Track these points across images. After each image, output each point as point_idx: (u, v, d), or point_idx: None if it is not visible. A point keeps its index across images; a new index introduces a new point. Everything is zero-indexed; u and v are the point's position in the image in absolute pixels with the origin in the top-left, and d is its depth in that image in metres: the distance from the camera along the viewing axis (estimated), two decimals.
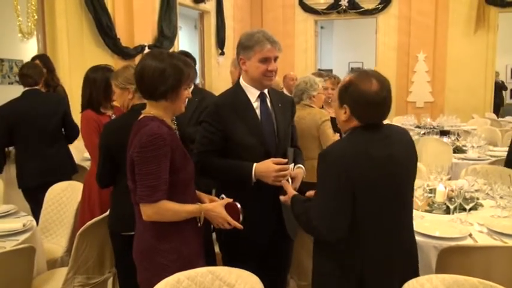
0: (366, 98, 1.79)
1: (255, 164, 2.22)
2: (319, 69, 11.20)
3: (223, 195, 2.17)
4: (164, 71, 1.95)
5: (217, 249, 2.56)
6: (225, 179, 2.34)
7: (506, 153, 4.01)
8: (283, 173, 2.21)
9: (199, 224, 2.07)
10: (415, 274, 1.93)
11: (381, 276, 1.85)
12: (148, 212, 1.92)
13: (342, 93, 1.87)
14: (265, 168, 2.21)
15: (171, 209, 1.94)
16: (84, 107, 3.27)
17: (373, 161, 1.77)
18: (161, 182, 1.89)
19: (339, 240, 1.82)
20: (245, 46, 2.29)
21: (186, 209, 1.99)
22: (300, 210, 1.96)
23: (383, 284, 1.86)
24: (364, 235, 1.81)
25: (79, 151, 4.38)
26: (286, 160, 2.25)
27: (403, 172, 1.89)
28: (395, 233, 1.88)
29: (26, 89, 3.83)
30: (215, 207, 2.07)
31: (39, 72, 3.95)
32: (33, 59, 4.53)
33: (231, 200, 2.11)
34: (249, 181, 2.23)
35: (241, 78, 2.39)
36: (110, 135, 2.45)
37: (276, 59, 2.30)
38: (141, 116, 2.04)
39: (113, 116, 3.26)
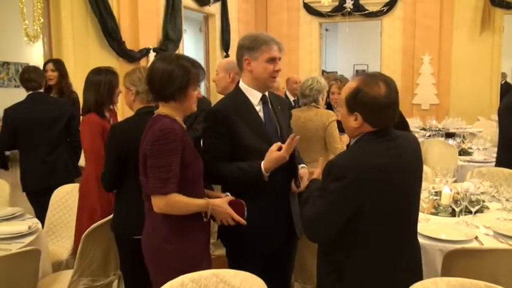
0: (378, 103, 1.76)
1: (262, 162, 2.20)
2: (323, 71, 11.16)
3: (228, 193, 2.20)
4: (172, 72, 2.01)
5: (220, 252, 2.56)
6: (236, 183, 2.28)
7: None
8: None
9: (205, 219, 2.11)
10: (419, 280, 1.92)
11: (382, 283, 1.83)
12: (160, 204, 1.98)
13: (351, 100, 1.82)
14: (270, 157, 2.18)
15: (181, 202, 2.00)
16: (87, 110, 3.16)
17: (382, 171, 1.75)
18: (172, 174, 1.95)
19: (342, 246, 1.82)
20: (251, 47, 2.29)
21: (195, 202, 2.05)
22: (305, 198, 1.96)
23: None
24: (367, 243, 1.80)
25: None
26: (279, 144, 2.21)
27: (411, 181, 1.88)
28: (399, 240, 1.86)
29: (30, 92, 3.84)
30: (221, 202, 2.12)
31: (41, 75, 3.97)
32: (46, 62, 4.56)
33: (234, 198, 2.16)
34: (261, 177, 2.20)
35: (240, 81, 2.39)
36: (120, 138, 2.46)
37: (279, 60, 2.32)
38: (155, 115, 2.12)
39: (111, 120, 3.23)
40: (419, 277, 1.93)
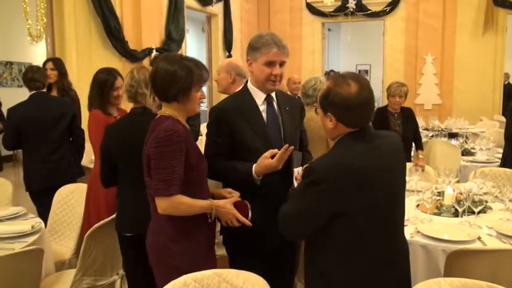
0: (348, 101, 1.76)
1: (253, 165, 2.20)
2: (332, 71, 11.11)
3: (232, 194, 2.20)
4: (175, 73, 2.01)
5: (223, 251, 2.57)
6: (232, 182, 2.31)
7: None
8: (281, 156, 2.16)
9: (209, 220, 2.11)
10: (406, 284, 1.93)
11: (370, 284, 1.82)
12: (163, 205, 1.98)
13: (323, 101, 1.84)
14: (261, 163, 2.18)
15: (185, 203, 2.00)
16: (89, 106, 3.34)
17: (361, 173, 1.73)
18: (176, 176, 1.95)
19: (328, 249, 1.81)
20: (253, 47, 2.27)
21: (199, 203, 2.05)
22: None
23: None
24: (352, 244, 1.79)
25: (87, 153, 4.41)
26: (276, 150, 2.19)
27: (392, 181, 1.87)
28: (384, 241, 1.84)
29: (33, 92, 3.85)
30: (226, 203, 2.11)
31: (44, 75, 3.99)
32: (46, 61, 4.57)
33: (239, 199, 2.15)
34: (252, 180, 2.21)
35: (249, 81, 2.39)
36: (110, 137, 2.54)
37: (282, 63, 2.27)
38: (158, 116, 2.12)
39: (117, 118, 3.29)
40: (407, 277, 1.95)
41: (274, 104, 2.37)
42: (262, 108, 2.33)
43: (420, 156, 4.74)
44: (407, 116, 4.82)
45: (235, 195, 2.18)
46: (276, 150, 2.17)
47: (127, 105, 2.86)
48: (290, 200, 1.91)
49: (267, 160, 2.15)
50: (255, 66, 2.28)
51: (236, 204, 2.12)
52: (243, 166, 2.23)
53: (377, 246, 1.81)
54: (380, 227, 1.81)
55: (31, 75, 3.83)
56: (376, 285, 1.83)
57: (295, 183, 2.25)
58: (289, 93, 6.36)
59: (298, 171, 2.27)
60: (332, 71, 11.03)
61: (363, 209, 1.75)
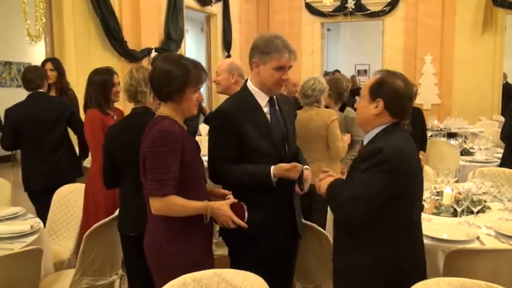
0: (400, 92, 1.96)
1: (272, 168, 2.21)
2: (337, 70, 11.06)
3: (230, 195, 2.19)
4: (170, 72, 2.01)
5: (222, 251, 2.57)
6: (243, 185, 2.28)
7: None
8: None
9: (205, 221, 2.10)
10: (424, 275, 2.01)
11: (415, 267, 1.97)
12: (157, 205, 1.98)
13: (375, 88, 1.99)
14: (282, 173, 2.22)
15: (179, 204, 1.99)
16: (85, 107, 3.37)
17: (414, 159, 1.96)
18: (171, 176, 1.95)
19: (377, 232, 1.90)
20: (262, 51, 2.25)
21: (193, 205, 2.04)
22: (335, 193, 2.00)
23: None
24: (398, 233, 1.92)
25: None
26: (296, 165, 2.23)
27: (421, 175, 2.06)
28: (419, 232, 2.06)
29: (31, 92, 3.85)
30: (221, 205, 2.10)
31: (41, 76, 3.94)
32: (44, 62, 4.56)
33: (236, 200, 2.15)
34: (270, 182, 2.22)
35: (249, 82, 2.37)
36: (111, 137, 2.56)
37: (290, 67, 2.28)
38: (156, 115, 2.12)
39: (114, 117, 3.31)
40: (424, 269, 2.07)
41: (276, 105, 2.38)
42: (266, 109, 2.33)
43: (420, 156, 4.74)
44: (416, 116, 4.82)
45: (231, 197, 2.18)
46: (299, 166, 2.21)
47: (127, 106, 2.87)
48: (354, 182, 1.91)
49: (289, 171, 2.21)
50: (262, 70, 2.27)
51: (232, 206, 2.11)
52: (259, 169, 2.23)
53: (414, 235, 2.01)
54: (417, 216, 2.02)
55: (30, 76, 3.83)
56: (412, 275, 1.89)
57: (305, 186, 2.30)
58: (285, 93, 6.33)
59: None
60: (337, 70, 10.96)
61: (412, 194, 1.95)
